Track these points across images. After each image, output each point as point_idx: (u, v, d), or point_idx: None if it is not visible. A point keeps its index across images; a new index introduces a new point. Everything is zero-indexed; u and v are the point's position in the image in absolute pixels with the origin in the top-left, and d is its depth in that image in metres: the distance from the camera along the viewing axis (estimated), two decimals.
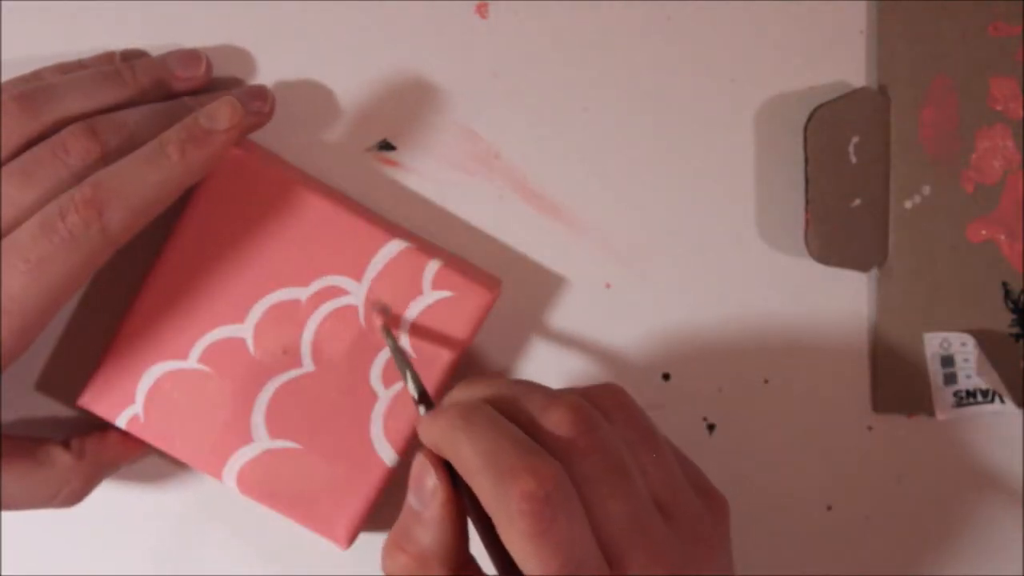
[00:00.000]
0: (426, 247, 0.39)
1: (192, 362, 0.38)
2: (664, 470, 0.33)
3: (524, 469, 0.29)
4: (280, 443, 0.39)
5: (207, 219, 0.38)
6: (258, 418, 0.38)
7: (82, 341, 0.40)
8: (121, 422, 0.38)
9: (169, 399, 0.38)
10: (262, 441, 0.39)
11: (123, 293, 0.39)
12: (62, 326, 0.40)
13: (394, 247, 0.38)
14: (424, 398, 0.35)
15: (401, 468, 0.38)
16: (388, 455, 0.39)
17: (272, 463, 0.38)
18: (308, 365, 0.38)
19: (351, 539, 0.39)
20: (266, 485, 0.39)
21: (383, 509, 0.39)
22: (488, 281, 0.39)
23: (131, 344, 0.38)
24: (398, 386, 0.38)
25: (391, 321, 0.38)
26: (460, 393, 0.34)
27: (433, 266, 0.38)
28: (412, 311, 0.38)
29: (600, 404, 0.33)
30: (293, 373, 0.38)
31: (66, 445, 0.38)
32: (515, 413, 0.32)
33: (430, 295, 0.38)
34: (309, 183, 0.39)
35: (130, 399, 0.38)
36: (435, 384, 0.38)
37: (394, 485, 0.39)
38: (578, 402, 0.32)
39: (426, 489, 0.32)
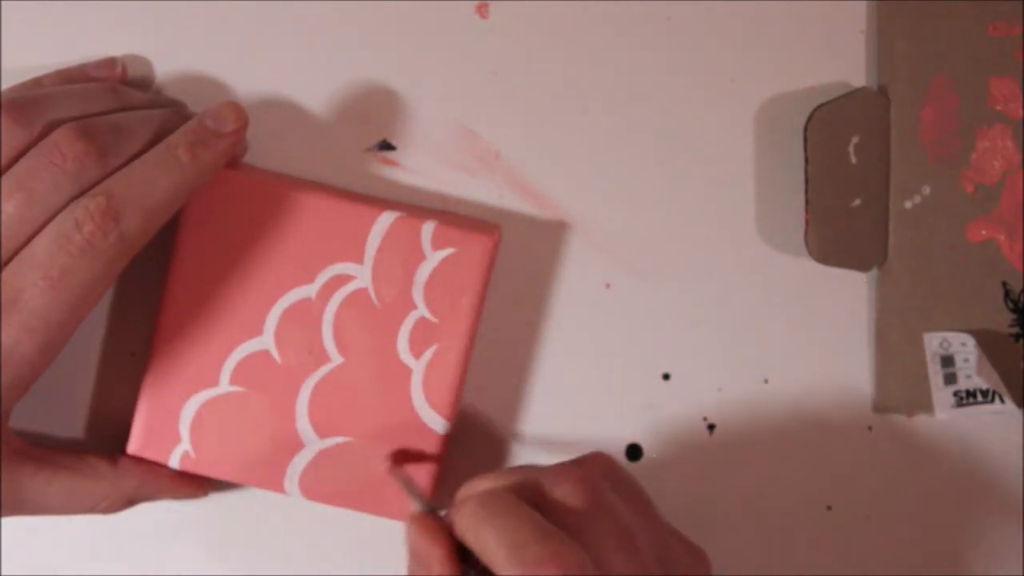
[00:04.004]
0: (418, 212, 0.39)
1: (225, 386, 0.38)
2: (657, 529, 0.35)
3: (550, 558, 0.31)
4: (331, 441, 0.39)
5: (200, 242, 0.38)
6: (303, 423, 0.39)
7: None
8: (174, 462, 0.39)
9: (213, 428, 0.38)
10: (313, 444, 0.39)
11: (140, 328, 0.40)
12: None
13: (386, 219, 0.38)
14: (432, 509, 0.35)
15: (452, 433, 0.39)
16: (437, 423, 0.39)
17: (329, 462, 0.39)
18: (336, 358, 0.38)
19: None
20: (329, 486, 0.39)
21: (444, 477, 0.40)
22: (486, 228, 0.39)
23: (162, 383, 0.38)
24: (429, 354, 0.38)
25: (395, 465, 0.38)
26: (471, 487, 0.34)
27: (429, 228, 0.38)
28: (420, 277, 0.38)
29: (598, 472, 0.35)
30: (324, 370, 0.38)
31: (112, 460, 0.38)
32: (528, 494, 0.33)
33: (433, 257, 0.38)
34: (289, 182, 0.39)
35: (176, 437, 0.38)
36: (462, 349, 0.38)
37: (450, 452, 0.40)
38: (585, 473, 0.33)
39: (432, 557, 0.33)
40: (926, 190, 0.41)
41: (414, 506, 0.36)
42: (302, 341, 0.38)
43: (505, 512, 0.32)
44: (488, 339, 0.41)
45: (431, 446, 0.39)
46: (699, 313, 0.41)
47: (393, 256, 0.38)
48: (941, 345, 0.41)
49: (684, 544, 0.36)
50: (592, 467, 0.35)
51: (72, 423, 0.41)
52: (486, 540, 0.32)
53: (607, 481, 0.34)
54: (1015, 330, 0.41)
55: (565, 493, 0.33)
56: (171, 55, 0.40)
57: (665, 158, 0.41)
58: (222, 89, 0.40)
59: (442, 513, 0.35)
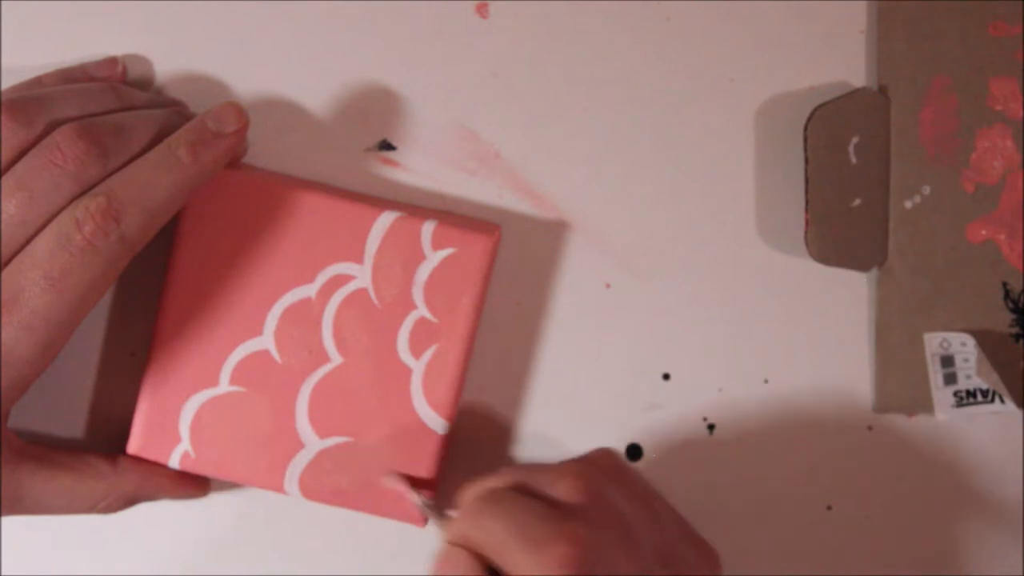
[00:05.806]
0: (418, 212, 0.39)
1: (224, 386, 0.38)
2: (662, 525, 0.35)
3: (557, 535, 0.31)
4: (331, 441, 0.39)
5: (200, 242, 0.38)
6: (303, 422, 0.39)
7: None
8: (174, 462, 0.39)
9: (213, 428, 0.38)
10: (313, 444, 0.39)
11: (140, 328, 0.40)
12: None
13: (387, 219, 0.38)
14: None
15: (452, 433, 0.39)
16: (437, 423, 0.39)
17: (329, 462, 0.39)
18: (336, 358, 0.39)
19: (426, 517, 0.39)
20: (329, 486, 0.39)
21: (444, 477, 0.40)
22: (486, 228, 0.39)
23: (162, 383, 0.38)
24: (428, 354, 0.38)
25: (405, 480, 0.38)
26: (471, 490, 0.34)
27: (429, 228, 0.38)
28: (420, 277, 0.38)
29: (599, 469, 0.35)
30: (324, 370, 0.39)
31: (112, 460, 0.38)
32: (527, 491, 0.33)
33: (433, 257, 0.38)
34: (289, 182, 0.39)
35: (176, 438, 0.38)
36: (462, 349, 0.38)
37: (450, 452, 0.40)
38: (583, 470, 0.34)
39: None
40: (926, 190, 0.41)
41: (421, 511, 0.36)
42: (302, 341, 0.38)
43: (507, 501, 0.32)
44: (488, 339, 0.41)
45: (431, 446, 0.39)
46: (699, 313, 0.41)
47: (393, 256, 0.38)
48: (941, 345, 0.41)
49: (694, 542, 0.36)
50: (592, 463, 0.35)
51: (72, 423, 0.41)
52: (492, 530, 0.32)
53: (608, 476, 0.34)
54: (1015, 330, 0.41)
55: (563, 490, 0.33)
56: (171, 55, 0.40)
57: (665, 158, 0.41)
58: (222, 89, 0.40)
59: (452, 514, 0.35)
